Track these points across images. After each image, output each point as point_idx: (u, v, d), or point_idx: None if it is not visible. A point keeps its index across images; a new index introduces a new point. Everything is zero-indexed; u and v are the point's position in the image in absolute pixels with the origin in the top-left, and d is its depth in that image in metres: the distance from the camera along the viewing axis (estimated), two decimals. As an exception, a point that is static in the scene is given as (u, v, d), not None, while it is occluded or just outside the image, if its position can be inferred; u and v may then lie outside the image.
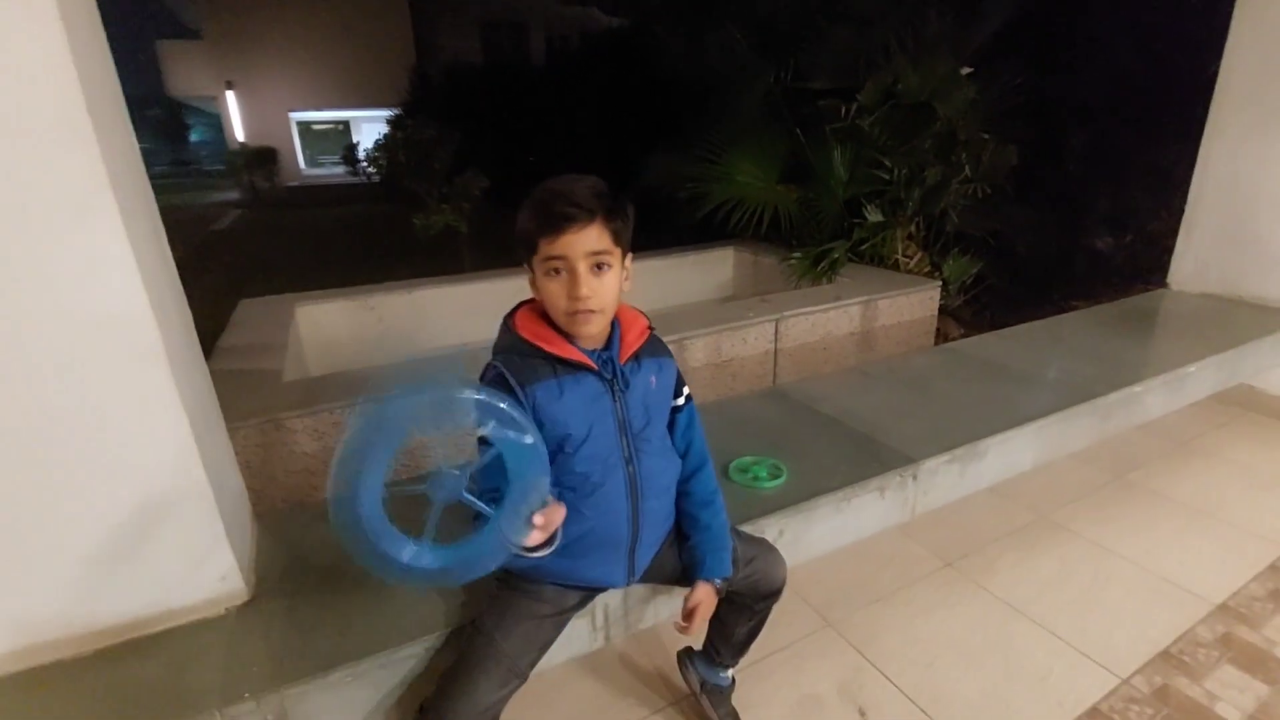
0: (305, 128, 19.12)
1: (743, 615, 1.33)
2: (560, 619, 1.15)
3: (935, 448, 1.73)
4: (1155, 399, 2.28)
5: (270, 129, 17.31)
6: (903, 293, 3.50)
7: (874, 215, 3.95)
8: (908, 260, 4.05)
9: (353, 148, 14.99)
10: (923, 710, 1.53)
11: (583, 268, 0.97)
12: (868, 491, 1.58)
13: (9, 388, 0.95)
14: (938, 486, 1.73)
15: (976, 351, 2.54)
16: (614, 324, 1.10)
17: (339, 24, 17.11)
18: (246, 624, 1.18)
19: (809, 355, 3.23)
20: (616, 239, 1.01)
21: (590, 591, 1.20)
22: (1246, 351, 2.57)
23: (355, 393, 2.25)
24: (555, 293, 1.00)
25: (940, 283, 3.71)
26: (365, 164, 12.31)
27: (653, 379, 1.13)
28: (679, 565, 1.22)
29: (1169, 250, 3.37)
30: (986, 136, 3.85)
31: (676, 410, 1.20)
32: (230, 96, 16.33)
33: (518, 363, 1.04)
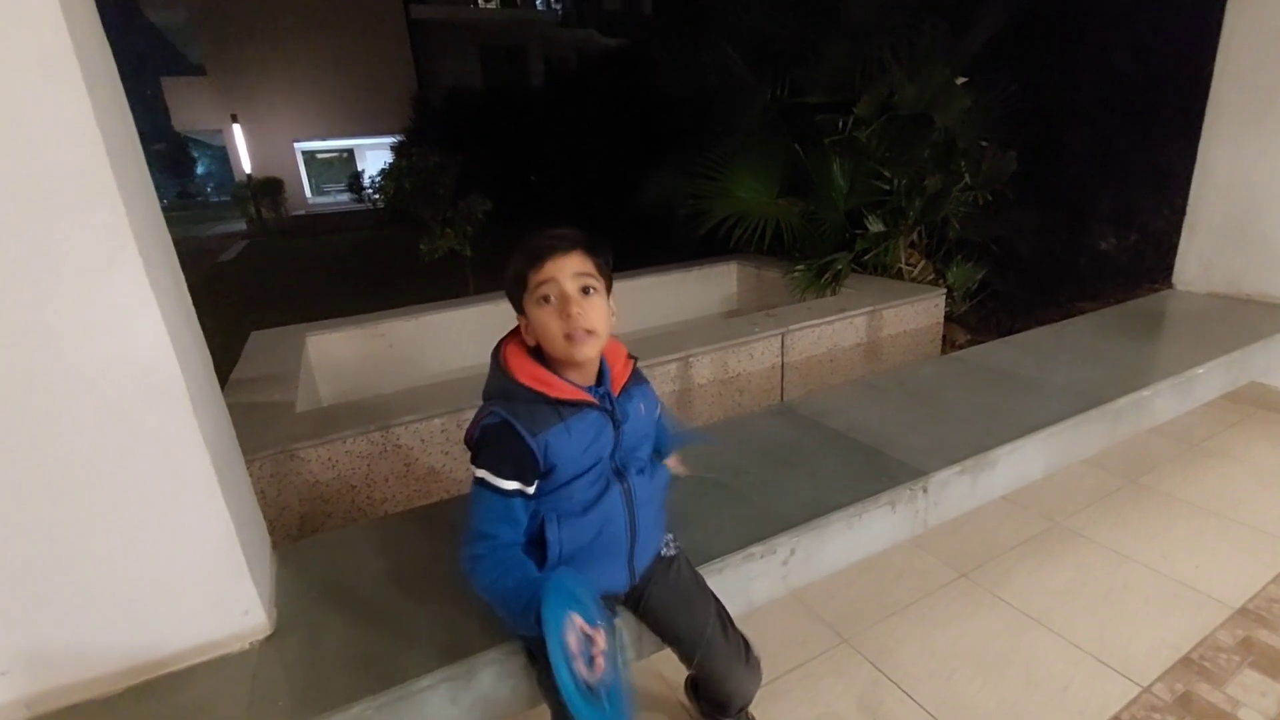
0: (310, 157, 19.40)
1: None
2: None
3: (945, 459, 1.74)
4: (1165, 401, 2.28)
5: (276, 159, 17.57)
6: (907, 301, 3.51)
7: (876, 225, 3.97)
8: (911, 269, 4.06)
9: (357, 175, 15.24)
10: (943, 724, 1.53)
11: (571, 288, 1.02)
12: (879, 506, 1.58)
13: (40, 432, 0.98)
14: (949, 498, 1.73)
15: (983, 359, 2.54)
16: (601, 360, 1.14)
17: (341, 54, 17.41)
18: (270, 658, 1.19)
19: (816, 368, 3.24)
20: (599, 270, 1.06)
21: (610, 598, 1.22)
22: (1255, 350, 2.57)
23: (368, 420, 2.30)
24: (548, 319, 1.03)
25: (945, 290, 3.72)
26: (370, 191, 12.52)
27: (642, 407, 1.19)
28: (668, 580, 1.26)
29: (1174, 249, 3.37)
30: (985, 143, 3.88)
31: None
32: (235, 129, 16.61)
33: (522, 410, 1.06)
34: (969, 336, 3.99)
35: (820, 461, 1.78)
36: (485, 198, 6.38)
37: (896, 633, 1.80)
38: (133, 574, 1.09)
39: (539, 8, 20.13)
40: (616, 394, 1.14)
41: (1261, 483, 2.45)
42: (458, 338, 3.84)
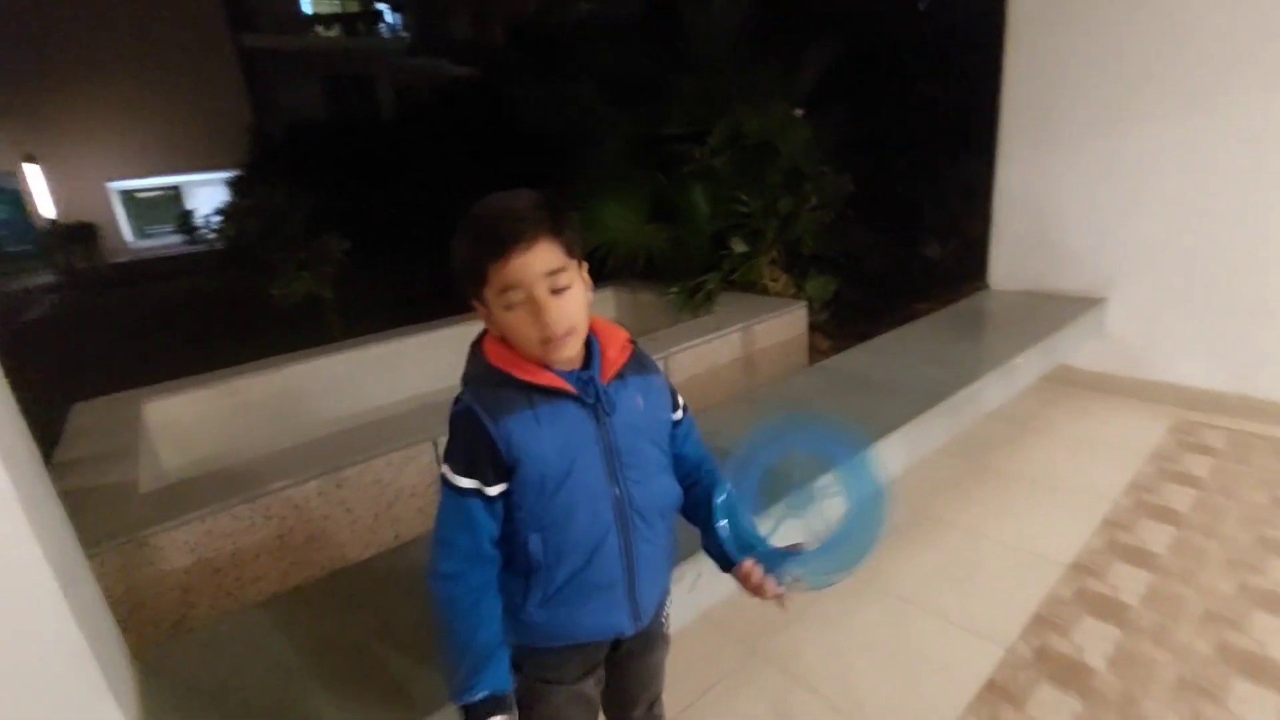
0: (128, 197, 17.34)
1: None
2: (593, 683, 1.09)
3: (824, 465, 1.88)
4: (994, 390, 2.61)
5: (85, 202, 15.54)
6: (775, 315, 3.75)
7: (739, 246, 4.23)
8: (775, 284, 4.36)
9: (188, 215, 13.84)
10: (848, 716, 1.64)
11: (542, 292, 0.87)
12: (772, 518, 1.67)
13: None
14: (831, 500, 1.87)
15: (845, 367, 2.78)
16: (591, 340, 0.99)
17: (159, 84, 15.79)
18: (141, 787, 1.05)
19: (699, 386, 3.37)
20: (570, 251, 0.90)
21: (604, 643, 1.09)
22: (1059, 337, 3.01)
23: (229, 492, 2.09)
24: (520, 326, 0.90)
25: (806, 302, 4.02)
26: (207, 232, 11.41)
27: (639, 399, 1.01)
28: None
29: (987, 253, 3.89)
30: (825, 169, 4.26)
31: (675, 425, 1.10)
32: (32, 171, 14.52)
33: (488, 394, 0.92)
34: (830, 343, 4.33)
35: (714, 482, 1.86)
36: (342, 237, 6.05)
37: (799, 638, 1.91)
38: (-45, 722, 0.93)
39: (385, 36, 19.46)
40: (607, 381, 0.97)
41: (1074, 450, 2.87)
42: (327, 389, 3.58)
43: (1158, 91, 2.99)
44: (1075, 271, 3.45)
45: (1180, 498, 2.44)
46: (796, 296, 4.23)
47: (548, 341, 0.89)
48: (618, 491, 0.97)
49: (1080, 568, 2.12)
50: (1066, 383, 3.50)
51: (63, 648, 0.99)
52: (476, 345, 0.98)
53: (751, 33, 4.31)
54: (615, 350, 1.00)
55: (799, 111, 4.13)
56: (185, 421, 3.21)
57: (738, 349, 3.57)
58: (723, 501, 1.05)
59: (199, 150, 16.14)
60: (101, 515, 1.99)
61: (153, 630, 1.95)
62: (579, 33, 5.05)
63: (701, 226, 4.29)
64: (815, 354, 4.11)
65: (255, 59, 16.55)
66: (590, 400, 0.95)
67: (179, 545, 2.00)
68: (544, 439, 0.92)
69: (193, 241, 13.66)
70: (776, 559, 1.01)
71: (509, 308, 0.89)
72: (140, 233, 17.72)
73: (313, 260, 5.97)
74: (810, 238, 4.35)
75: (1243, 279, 2.93)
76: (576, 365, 0.96)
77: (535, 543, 0.94)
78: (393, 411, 2.90)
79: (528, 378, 0.92)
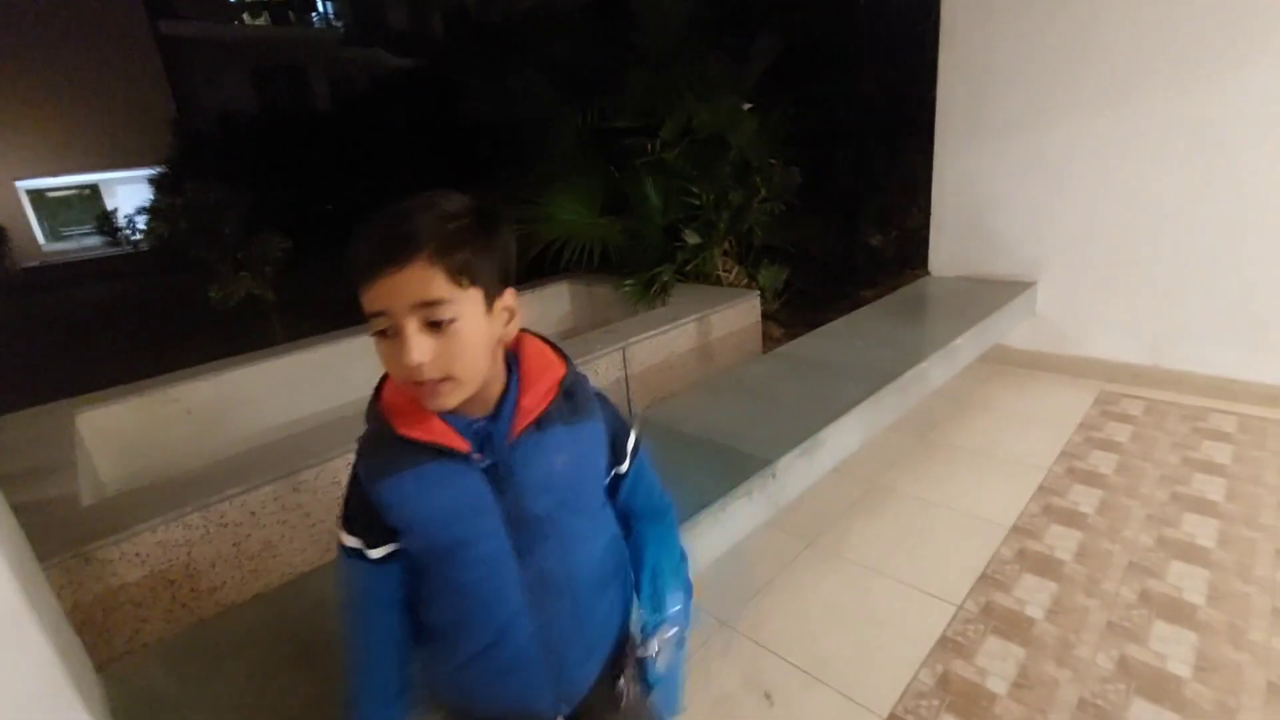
0: (39, 197, 16.21)
1: None
2: None
3: (785, 446, 1.96)
4: (938, 370, 2.75)
5: (-9, 202, 14.48)
6: (729, 305, 3.84)
7: (692, 238, 4.30)
8: (728, 274, 4.45)
9: (108, 215, 13.06)
10: (815, 677, 1.73)
11: (411, 326, 0.70)
12: (738, 498, 1.75)
13: None
14: (793, 479, 1.95)
15: (800, 352, 2.88)
16: (512, 375, 0.81)
17: (70, 75, 14.79)
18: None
19: (657, 377, 3.43)
20: (460, 278, 0.71)
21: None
22: (994, 319, 3.19)
23: (180, 501, 2.02)
24: (387, 359, 0.74)
25: (758, 291, 4.13)
26: (130, 233, 10.79)
27: (560, 456, 0.82)
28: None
29: (926, 241, 4.07)
30: (774, 161, 4.36)
31: (619, 478, 0.93)
32: (-74, 168, 13.41)
33: (373, 445, 0.81)
34: (783, 330, 4.45)
35: (682, 466, 1.92)
36: (282, 235, 5.84)
37: (766, 607, 1.99)
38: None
39: (316, 25, 18.72)
40: (518, 432, 0.79)
41: (1011, 423, 3.05)
42: (272, 393, 3.47)
43: (1075, 88, 3.19)
44: (1007, 258, 3.66)
45: (1105, 463, 2.64)
46: (749, 286, 4.33)
47: (416, 385, 0.73)
48: (528, 569, 0.82)
49: (1020, 530, 2.27)
50: (1002, 361, 3.71)
51: (31, 659, 0.96)
52: (381, 382, 0.83)
53: (700, 25, 4.36)
54: (538, 393, 0.81)
55: (747, 105, 4.21)
56: (123, 431, 3.07)
57: (694, 339, 3.64)
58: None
59: (117, 146, 15.22)
60: (44, 531, 1.90)
61: (105, 647, 1.88)
62: (525, 22, 5.00)
63: (654, 219, 4.34)
64: (769, 342, 4.22)
65: (177, 48, 15.68)
66: (484, 463, 0.79)
67: (129, 558, 1.93)
68: (429, 504, 0.78)
69: (115, 243, 12.92)
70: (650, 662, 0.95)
71: (379, 336, 0.73)
72: (54, 235, 16.62)
73: (251, 260, 5.75)
74: (761, 229, 4.46)
75: (1153, 260, 3.17)
76: (487, 409, 0.80)
77: (434, 611, 0.85)
78: (341, 415, 2.84)
79: (406, 431, 0.77)
